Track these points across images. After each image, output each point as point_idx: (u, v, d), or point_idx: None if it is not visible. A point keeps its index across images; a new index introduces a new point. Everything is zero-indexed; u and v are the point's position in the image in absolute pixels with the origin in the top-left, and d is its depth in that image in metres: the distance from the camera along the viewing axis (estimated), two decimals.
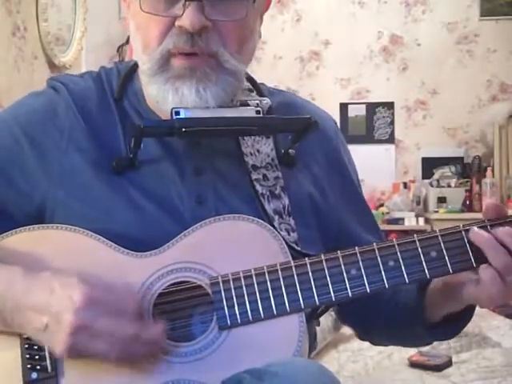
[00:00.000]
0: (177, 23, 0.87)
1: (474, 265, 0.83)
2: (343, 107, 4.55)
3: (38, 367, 0.82)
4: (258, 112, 0.92)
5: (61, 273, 0.81)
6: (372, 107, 4.58)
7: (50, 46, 3.00)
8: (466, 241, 0.84)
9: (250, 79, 1.03)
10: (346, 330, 2.47)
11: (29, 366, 0.82)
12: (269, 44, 4.53)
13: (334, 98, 4.49)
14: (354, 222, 1.04)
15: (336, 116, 4.44)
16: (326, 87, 4.53)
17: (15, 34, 2.76)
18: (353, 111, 4.58)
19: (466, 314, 0.92)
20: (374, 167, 4.32)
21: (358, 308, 0.99)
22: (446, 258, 0.84)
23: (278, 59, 4.58)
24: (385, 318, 0.99)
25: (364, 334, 1.10)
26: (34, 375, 0.82)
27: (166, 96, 0.89)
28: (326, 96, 4.38)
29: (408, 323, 0.95)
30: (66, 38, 3.24)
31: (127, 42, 3.81)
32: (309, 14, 4.62)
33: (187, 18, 0.85)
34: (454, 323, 0.93)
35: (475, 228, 0.84)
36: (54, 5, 3.09)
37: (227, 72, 0.90)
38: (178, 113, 0.88)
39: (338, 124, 1.12)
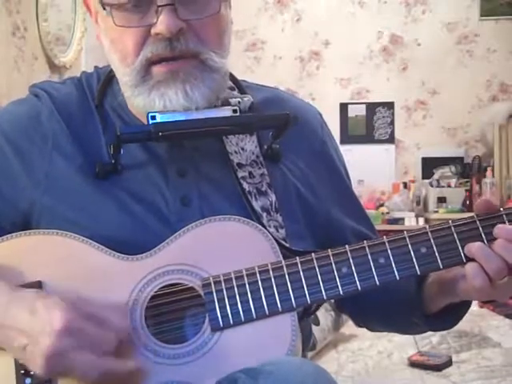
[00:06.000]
0: (153, 31, 0.85)
1: (464, 260, 0.84)
2: (343, 107, 4.54)
3: (32, 372, 0.79)
4: (234, 111, 0.92)
5: (50, 280, 0.80)
6: (372, 107, 4.58)
7: (49, 46, 2.99)
8: (455, 236, 0.84)
9: (231, 76, 1.02)
10: (346, 330, 2.48)
11: (22, 371, 0.80)
12: (269, 44, 4.53)
13: (334, 98, 4.49)
14: (344, 214, 1.04)
15: (336, 116, 4.44)
16: (326, 87, 4.53)
17: (15, 34, 2.76)
18: (353, 111, 4.58)
19: (464, 305, 0.92)
20: (374, 167, 4.33)
21: (356, 297, 0.99)
22: (436, 253, 0.84)
23: (277, 59, 4.57)
24: (382, 306, 0.99)
25: (361, 321, 1.10)
26: (28, 381, 0.80)
27: (152, 105, 0.88)
28: (326, 96, 4.38)
29: (406, 312, 0.95)
30: (66, 38, 3.23)
31: None
32: (309, 14, 4.62)
33: (162, 24, 0.84)
34: (452, 313, 0.93)
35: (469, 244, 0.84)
36: (54, 5, 3.08)
37: (211, 70, 0.89)
38: (153, 117, 0.88)
39: (338, 124, 1.13)
